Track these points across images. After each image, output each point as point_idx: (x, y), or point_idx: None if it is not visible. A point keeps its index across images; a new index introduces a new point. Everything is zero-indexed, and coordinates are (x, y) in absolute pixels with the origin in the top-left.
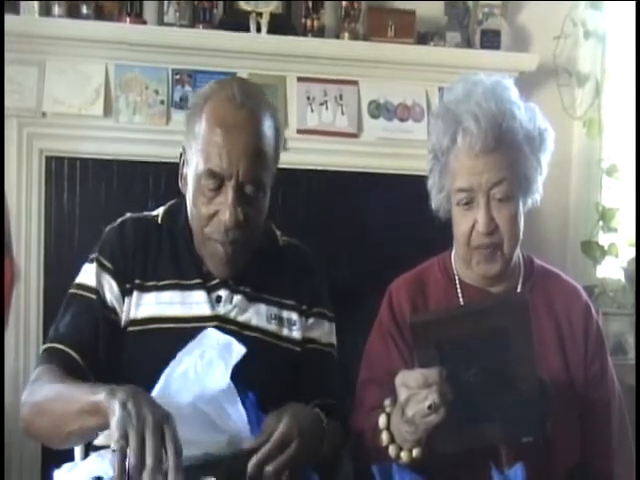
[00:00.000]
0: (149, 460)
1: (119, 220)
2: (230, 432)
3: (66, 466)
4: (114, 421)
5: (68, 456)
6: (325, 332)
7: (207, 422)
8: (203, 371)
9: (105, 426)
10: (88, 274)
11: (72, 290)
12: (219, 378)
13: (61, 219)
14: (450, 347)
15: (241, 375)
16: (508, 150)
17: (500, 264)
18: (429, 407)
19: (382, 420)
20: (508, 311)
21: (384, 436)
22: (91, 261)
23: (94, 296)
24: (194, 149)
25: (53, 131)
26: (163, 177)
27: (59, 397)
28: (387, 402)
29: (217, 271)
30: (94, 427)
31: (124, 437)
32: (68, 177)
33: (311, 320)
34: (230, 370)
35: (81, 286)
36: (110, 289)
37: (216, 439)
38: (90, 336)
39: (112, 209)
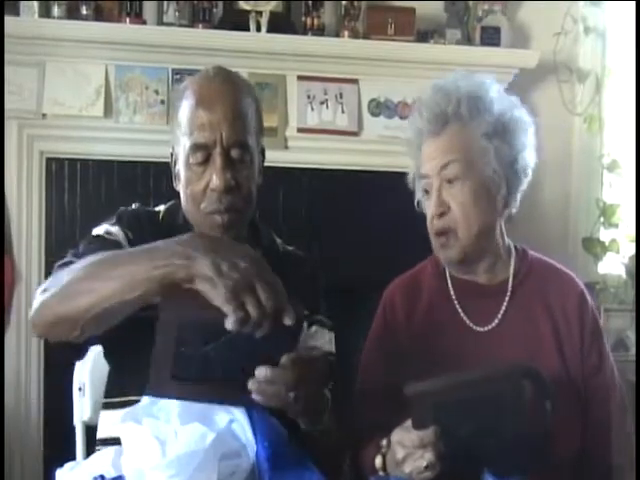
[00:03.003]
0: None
1: (130, 207)
2: (224, 421)
3: (68, 465)
4: (221, 293)
5: (70, 455)
6: (326, 341)
7: (200, 414)
8: None
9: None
10: (114, 232)
11: (98, 233)
12: None
13: (62, 220)
14: (445, 408)
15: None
16: (457, 133)
17: (456, 250)
18: (426, 467)
19: (378, 461)
20: (505, 379)
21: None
22: (112, 224)
23: (124, 246)
24: (179, 136)
25: (53, 132)
26: (164, 177)
27: (104, 266)
28: (383, 443)
29: None
30: (161, 293)
31: (239, 306)
32: (68, 178)
33: (313, 328)
34: None
35: (109, 233)
36: None
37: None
38: None
39: (113, 210)
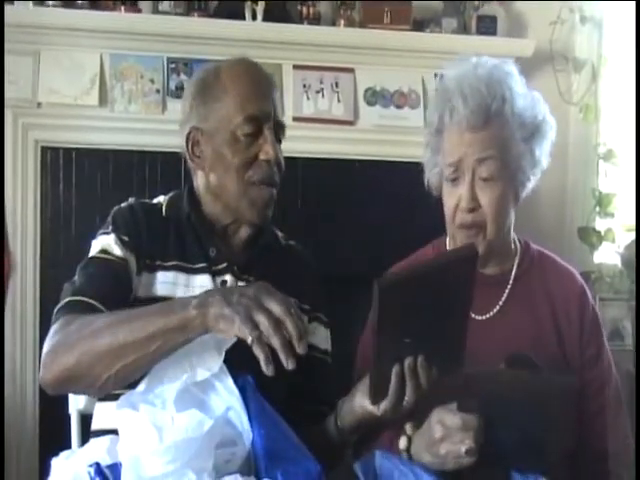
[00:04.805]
0: (290, 325)
1: (126, 203)
2: (220, 408)
3: (64, 454)
4: (236, 320)
5: (65, 443)
6: (323, 338)
7: (197, 401)
8: (197, 359)
9: (186, 342)
10: (111, 244)
11: (93, 255)
12: (212, 364)
13: (57, 210)
14: (493, 403)
15: (240, 360)
16: (497, 132)
17: (482, 247)
18: (466, 452)
19: (403, 442)
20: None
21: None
22: (107, 234)
23: (122, 262)
24: (218, 112)
25: (48, 121)
26: (159, 166)
27: (119, 325)
28: (408, 426)
29: (256, 215)
30: (177, 344)
31: (255, 326)
32: (64, 167)
33: (313, 325)
34: (222, 355)
35: (105, 252)
36: (131, 262)
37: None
38: (115, 291)
39: (108, 199)
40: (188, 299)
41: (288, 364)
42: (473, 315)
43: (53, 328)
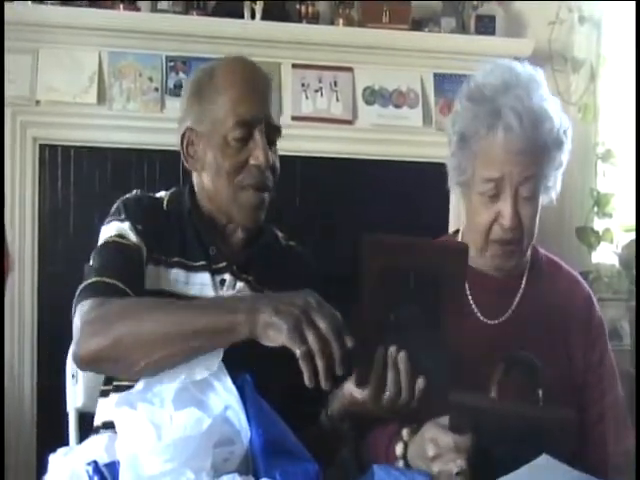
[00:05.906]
0: (335, 347)
1: (132, 194)
2: (219, 407)
3: (61, 450)
4: (285, 331)
5: (63, 441)
6: None
7: (195, 400)
8: (196, 359)
9: (228, 344)
10: (126, 230)
11: (110, 239)
12: (211, 363)
13: (55, 207)
14: (485, 422)
15: (240, 359)
16: (540, 149)
17: (515, 260)
18: (457, 473)
19: (399, 449)
20: (552, 420)
21: (400, 465)
22: (121, 221)
23: (137, 249)
24: (211, 114)
25: (47, 119)
26: (157, 164)
27: (166, 314)
28: (405, 432)
29: (246, 219)
30: (219, 345)
31: (304, 340)
32: (62, 165)
33: None
34: (221, 355)
35: (122, 236)
36: (144, 251)
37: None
38: (134, 274)
39: (106, 197)
40: (235, 301)
41: (326, 385)
42: (486, 319)
43: (85, 306)
